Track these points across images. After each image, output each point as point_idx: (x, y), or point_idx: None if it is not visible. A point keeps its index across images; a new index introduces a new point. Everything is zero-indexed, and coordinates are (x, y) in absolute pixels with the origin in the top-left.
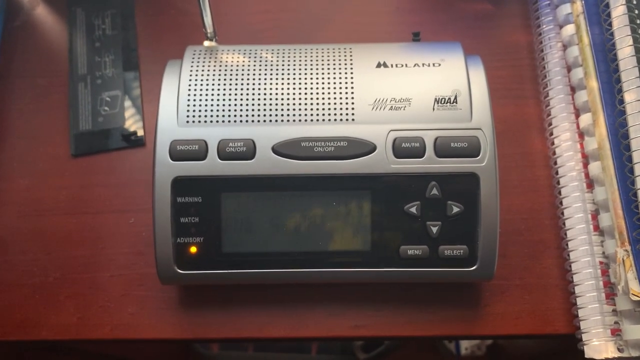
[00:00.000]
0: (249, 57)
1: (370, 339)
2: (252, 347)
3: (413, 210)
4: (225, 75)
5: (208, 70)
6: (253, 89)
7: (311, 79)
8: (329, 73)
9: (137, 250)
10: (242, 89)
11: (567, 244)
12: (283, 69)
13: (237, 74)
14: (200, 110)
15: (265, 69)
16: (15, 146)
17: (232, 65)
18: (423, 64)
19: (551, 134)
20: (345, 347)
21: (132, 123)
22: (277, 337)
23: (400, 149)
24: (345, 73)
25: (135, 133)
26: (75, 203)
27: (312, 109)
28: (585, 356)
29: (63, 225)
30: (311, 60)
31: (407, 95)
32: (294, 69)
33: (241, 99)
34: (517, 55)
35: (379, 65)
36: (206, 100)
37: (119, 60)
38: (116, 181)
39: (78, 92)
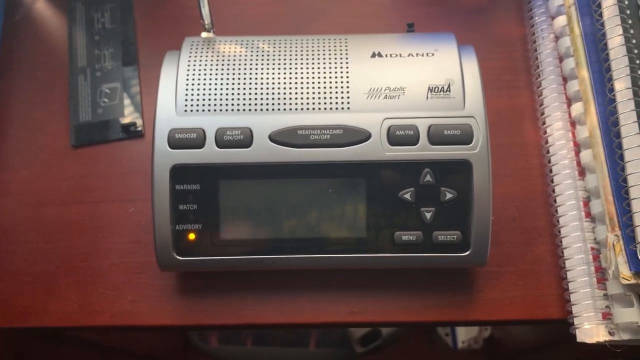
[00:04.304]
0: (246, 48)
1: (366, 324)
2: (250, 341)
3: (407, 196)
4: (222, 65)
5: (206, 61)
6: (250, 78)
7: (307, 68)
8: (324, 63)
9: (136, 239)
10: (239, 79)
11: (559, 231)
12: (280, 59)
13: (234, 64)
14: (198, 100)
15: (262, 59)
16: (16, 137)
17: (229, 56)
18: (417, 54)
19: (544, 123)
20: (343, 341)
21: (131, 114)
22: (274, 323)
23: (395, 137)
24: (341, 63)
25: (134, 124)
26: (76, 193)
27: (308, 98)
28: (577, 340)
29: (64, 214)
30: (307, 51)
31: (401, 84)
32: (291, 59)
33: (238, 88)
34: (511, 47)
35: (373, 55)
36: (204, 89)
37: (118, 53)
38: (116, 171)
39: (78, 85)
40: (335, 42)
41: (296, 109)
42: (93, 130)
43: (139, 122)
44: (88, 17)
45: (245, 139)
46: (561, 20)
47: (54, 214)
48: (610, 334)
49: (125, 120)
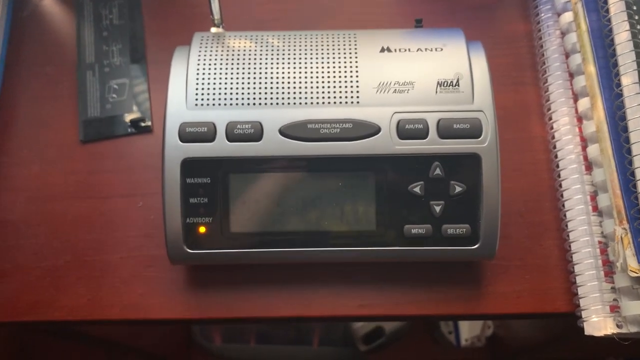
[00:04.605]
0: (256, 43)
1: (375, 318)
2: (253, 339)
3: (417, 190)
4: (232, 59)
5: (216, 55)
6: (260, 72)
7: (317, 63)
8: (334, 57)
9: (145, 233)
10: (249, 73)
11: (566, 225)
12: (289, 54)
13: (244, 59)
14: (208, 94)
15: (272, 54)
16: (25, 133)
17: (239, 50)
18: (426, 49)
19: (550, 118)
20: (347, 339)
21: (140, 110)
22: (283, 316)
23: (404, 131)
24: (350, 57)
25: (143, 119)
26: (84, 188)
27: (318, 92)
28: (585, 333)
29: (73, 209)
30: (317, 45)
31: (410, 78)
32: (300, 54)
33: (248, 83)
34: (517, 44)
35: (382, 50)
36: (214, 83)
37: (126, 49)
38: (124, 166)
39: (86, 80)
40: (344, 37)
41: (306, 103)
42: (101, 125)
43: (148, 117)
44: (96, 13)
45: (256, 133)
46: (567, 17)
47: (62, 209)
48: (618, 326)
49: (134, 115)
